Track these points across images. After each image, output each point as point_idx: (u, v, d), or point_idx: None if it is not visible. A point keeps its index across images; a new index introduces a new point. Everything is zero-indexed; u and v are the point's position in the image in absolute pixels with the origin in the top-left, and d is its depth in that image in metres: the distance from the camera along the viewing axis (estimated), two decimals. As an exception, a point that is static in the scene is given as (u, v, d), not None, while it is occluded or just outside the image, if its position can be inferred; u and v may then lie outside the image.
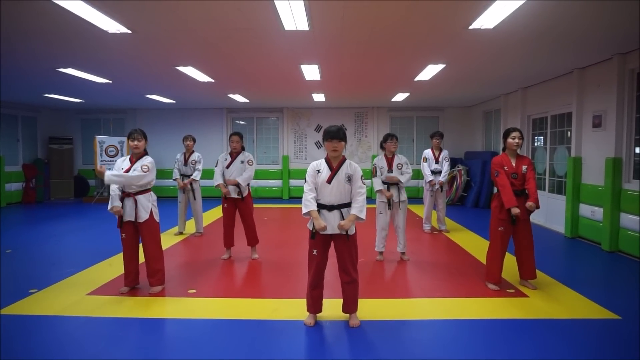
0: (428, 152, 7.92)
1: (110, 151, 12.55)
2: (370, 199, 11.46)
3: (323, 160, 3.79)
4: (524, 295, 4.53)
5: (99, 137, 12.56)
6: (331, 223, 3.69)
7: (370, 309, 4.10)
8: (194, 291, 4.69)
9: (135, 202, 4.55)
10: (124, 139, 12.75)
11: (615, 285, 5.04)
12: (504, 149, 4.82)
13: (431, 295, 4.62)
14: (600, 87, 6.86)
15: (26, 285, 4.84)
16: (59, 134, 13.67)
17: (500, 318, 3.96)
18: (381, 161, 5.97)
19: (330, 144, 3.69)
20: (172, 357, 3.29)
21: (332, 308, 4.13)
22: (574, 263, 6.12)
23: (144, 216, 4.59)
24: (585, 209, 7.20)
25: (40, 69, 7.41)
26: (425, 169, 7.80)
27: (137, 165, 4.56)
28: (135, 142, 4.56)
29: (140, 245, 4.74)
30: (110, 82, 8.69)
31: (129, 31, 5.18)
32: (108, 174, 4.33)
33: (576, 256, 6.43)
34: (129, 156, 4.67)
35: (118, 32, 5.18)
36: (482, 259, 5.96)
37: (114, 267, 5.59)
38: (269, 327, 3.79)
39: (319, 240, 3.74)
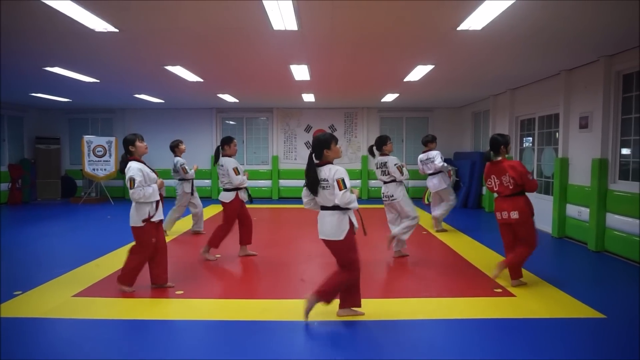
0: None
1: (98, 151, 12.44)
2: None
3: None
4: (512, 295, 4.56)
5: (86, 137, 12.45)
6: None
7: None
8: (181, 292, 4.65)
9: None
10: (112, 139, 12.65)
11: (601, 284, 5.09)
12: (499, 154, 4.83)
13: (419, 295, 4.63)
14: (586, 88, 6.94)
15: (11, 287, 4.76)
16: (46, 133, 13.48)
17: (488, 317, 3.98)
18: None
19: (338, 148, 3.86)
20: (159, 358, 3.25)
21: (318, 307, 4.12)
22: (560, 263, 6.18)
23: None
24: (572, 209, 7.27)
25: (27, 68, 7.31)
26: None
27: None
28: (145, 143, 4.65)
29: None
30: (98, 81, 8.61)
31: (117, 30, 5.13)
32: None
33: (563, 256, 6.49)
34: (136, 161, 4.53)
35: (105, 30, 5.12)
36: (471, 259, 6.02)
37: (101, 268, 5.53)
38: (258, 328, 3.77)
39: None
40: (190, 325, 3.85)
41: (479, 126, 12.08)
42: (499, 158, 4.83)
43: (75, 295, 4.52)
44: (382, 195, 6.08)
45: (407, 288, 4.91)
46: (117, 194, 13.47)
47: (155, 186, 4.48)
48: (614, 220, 6.25)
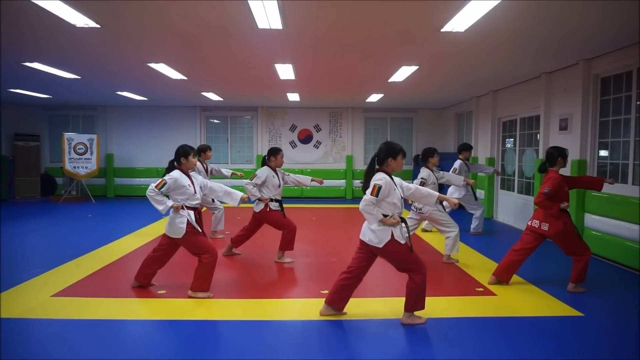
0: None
1: (79, 149, 12.23)
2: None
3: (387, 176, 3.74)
4: (493, 294, 4.63)
5: (67, 134, 12.23)
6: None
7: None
8: (163, 292, 4.61)
9: None
10: (94, 136, 12.47)
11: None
12: (555, 165, 4.84)
13: (401, 294, 4.64)
14: (566, 91, 7.07)
15: (-13, 286, 4.66)
16: (25, 130, 13.22)
17: (470, 316, 4.03)
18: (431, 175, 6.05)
19: (402, 161, 3.81)
20: (138, 358, 3.22)
21: (304, 308, 4.13)
22: (540, 262, 6.28)
23: None
24: (551, 210, 7.38)
25: (5, 63, 7.14)
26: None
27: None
28: (196, 159, 4.66)
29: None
30: (79, 77, 8.46)
31: (98, 26, 5.05)
32: None
33: (543, 255, 6.59)
34: (182, 171, 4.55)
35: (86, 26, 5.05)
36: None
37: (80, 267, 5.44)
38: (239, 328, 3.75)
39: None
40: (171, 325, 3.81)
41: (462, 127, 12.21)
42: (554, 168, 4.83)
43: (54, 295, 4.44)
44: (412, 206, 6.03)
45: (390, 287, 4.94)
46: (99, 193, 13.27)
47: (169, 203, 4.39)
48: (592, 220, 6.38)
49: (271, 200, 5.74)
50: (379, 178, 3.67)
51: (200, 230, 4.51)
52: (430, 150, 6.14)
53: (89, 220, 9.37)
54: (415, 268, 3.77)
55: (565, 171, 6.80)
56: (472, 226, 7.94)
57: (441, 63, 7.02)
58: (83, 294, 4.49)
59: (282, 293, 4.73)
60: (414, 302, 3.81)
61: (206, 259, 4.41)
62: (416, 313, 3.87)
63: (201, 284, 4.43)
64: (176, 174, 4.46)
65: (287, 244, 5.83)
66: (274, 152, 5.81)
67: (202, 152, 7.23)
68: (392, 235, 3.69)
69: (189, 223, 4.39)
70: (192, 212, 4.46)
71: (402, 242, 3.75)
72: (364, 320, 3.91)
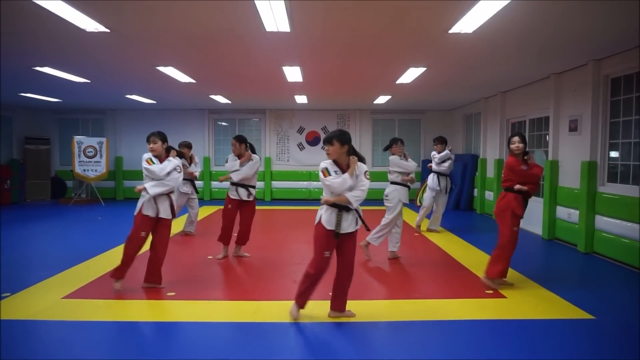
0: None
1: (88, 152, 12.33)
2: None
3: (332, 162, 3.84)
4: (502, 296, 4.59)
5: (77, 138, 12.34)
6: (349, 221, 3.79)
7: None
8: (172, 294, 4.63)
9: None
10: (103, 139, 12.56)
11: (590, 286, 5.14)
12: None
13: (410, 296, 4.64)
14: (576, 92, 7.01)
15: (-1, 288, 4.72)
16: (36, 134, 13.36)
17: (479, 319, 4.00)
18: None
19: (331, 149, 3.81)
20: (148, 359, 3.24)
21: (312, 310, 4.13)
22: (550, 264, 6.24)
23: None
24: (561, 212, 7.34)
25: (16, 67, 7.23)
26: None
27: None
28: (151, 145, 4.63)
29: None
30: (89, 81, 8.54)
31: (108, 30, 5.10)
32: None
33: (553, 257, 6.55)
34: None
35: (96, 30, 5.10)
36: (462, 260, 6.06)
37: (91, 269, 5.48)
38: (248, 330, 3.76)
39: (336, 241, 3.80)
40: (181, 327, 3.83)
41: (471, 128, 12.15)
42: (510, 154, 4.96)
43: (65, 297, 4.48)
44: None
45: (398, 289, 4.93)
46: (108, 195, 13.37)
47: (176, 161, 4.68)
48: (603, 222, 6.31)
49: (235, 184, 5.99)
50: (322, 165, 3.83)
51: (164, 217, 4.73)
52: (394, 139, 6.26)
53: (99, 223, 9.44)
54: (314, 258, 3.82)
55: (576, 173, 6.77)
56: (426, 222, 8.24)
57: (449, 64, 7.00)
58: (94, 296, 4.53)
59: (292, 295, 4.71)
60: (299, 293, 3.90)
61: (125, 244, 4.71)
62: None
63: (114, 271, 4.70)
64: (147, 154, 4.64)
65: (241, 239, 6.15)
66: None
67: (185, 147, 7.50)
68: (320, 218, 3.79)
69: (172, 206, 4.71)
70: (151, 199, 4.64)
71: (328, 228, 3.74)
72: (371, 323, 3.90)
